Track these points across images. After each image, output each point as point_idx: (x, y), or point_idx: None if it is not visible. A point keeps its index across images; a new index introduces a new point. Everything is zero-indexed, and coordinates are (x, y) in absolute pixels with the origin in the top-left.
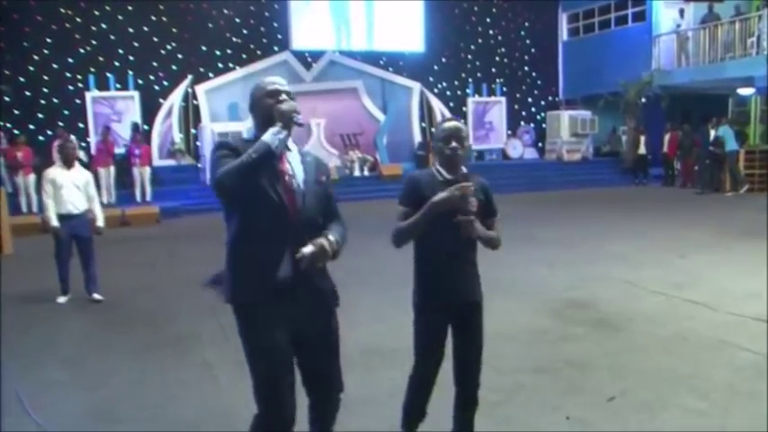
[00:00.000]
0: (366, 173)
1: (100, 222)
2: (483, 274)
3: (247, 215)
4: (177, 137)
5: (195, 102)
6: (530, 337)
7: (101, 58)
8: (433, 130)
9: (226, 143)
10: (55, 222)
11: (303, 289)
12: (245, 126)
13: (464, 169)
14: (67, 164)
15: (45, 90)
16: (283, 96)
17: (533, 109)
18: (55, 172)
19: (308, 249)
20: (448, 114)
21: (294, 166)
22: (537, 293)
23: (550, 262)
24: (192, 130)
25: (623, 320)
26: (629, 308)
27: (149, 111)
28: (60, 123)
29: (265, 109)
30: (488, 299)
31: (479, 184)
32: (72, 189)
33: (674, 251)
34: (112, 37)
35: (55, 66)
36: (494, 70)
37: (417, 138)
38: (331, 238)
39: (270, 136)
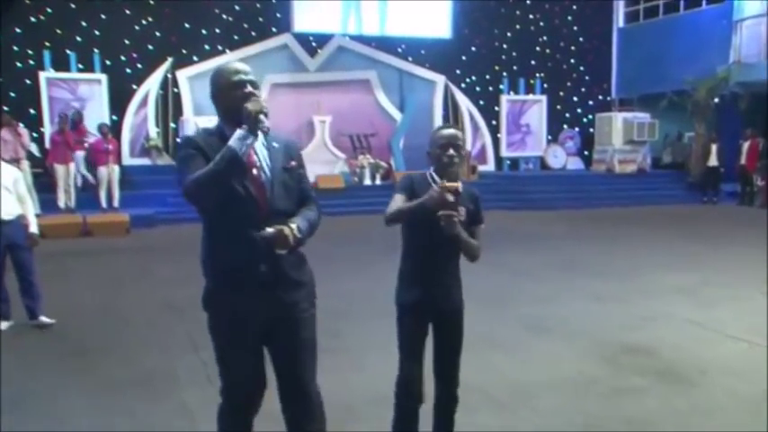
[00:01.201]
0: (378, 181)
1: (33, 228)
2: (517, 308)
3: (217, 211)
4: (153, 131)
5: (176, 90)
6: (577, 389)
7: (58, 31)
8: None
9: (190, 140)
10: None
11: (276, 282)
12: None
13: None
14: None
15: None
16: (249, 88)
17: (579, 110)
18: None
19: (268, 231)
20: (477, 114)
21: (261, 156)
22: (585, 334)
23: (600, 295)
24: (172, 124)
25: (694, 372)
26: (701, 356)
27: (120, 98)
28: (5, 108)
29: (228, 101)
30: (524, 339)
31: (469, 193)
32: None
33: (755, 286)
34: (73, 6)
35: None
36: (533, 63)
37: None
38: (293, 225)
39: (236, 141)
